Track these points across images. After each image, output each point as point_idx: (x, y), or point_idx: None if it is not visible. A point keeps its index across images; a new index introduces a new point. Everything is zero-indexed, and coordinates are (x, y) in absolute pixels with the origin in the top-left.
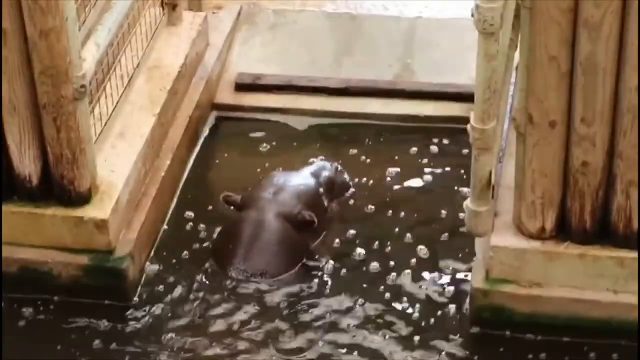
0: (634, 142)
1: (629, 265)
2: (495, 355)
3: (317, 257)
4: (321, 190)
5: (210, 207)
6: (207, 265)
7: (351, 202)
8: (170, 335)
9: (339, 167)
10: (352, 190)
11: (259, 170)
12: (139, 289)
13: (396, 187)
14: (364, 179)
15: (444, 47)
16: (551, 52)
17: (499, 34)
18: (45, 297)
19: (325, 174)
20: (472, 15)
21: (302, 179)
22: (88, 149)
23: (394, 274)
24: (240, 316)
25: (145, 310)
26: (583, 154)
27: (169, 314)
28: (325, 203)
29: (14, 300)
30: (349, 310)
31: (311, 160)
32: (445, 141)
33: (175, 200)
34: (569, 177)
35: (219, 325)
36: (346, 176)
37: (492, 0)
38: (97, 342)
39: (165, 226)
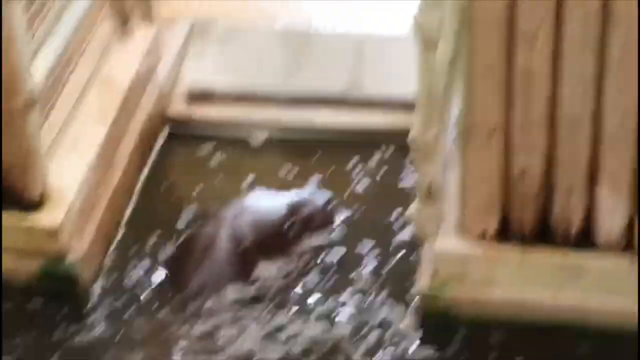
0: (571, 150)
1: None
2: None
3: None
4: (286, 226)
5: (163, 219)
6: (160, 277)
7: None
8: (122, 345)
9: (333, 201)
10: (334, 226)
11: (211, 183)
12: (92, 295)
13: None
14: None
15: (391, 61)
16: (488, 61)
17: (438, 43)
18: None
19: (306, 210)
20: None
21: (272, 207)
22: (39, 159)
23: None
24: (196, 328)
25: (98, 319)
26: (522, 161)
27: (121, 325)
28: (290, 237)
29: None
30: None
31: (314, 178)
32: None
33: (128, 211)
34: (509, 183)
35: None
36: (338, 212)
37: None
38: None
39: (118, 236)
